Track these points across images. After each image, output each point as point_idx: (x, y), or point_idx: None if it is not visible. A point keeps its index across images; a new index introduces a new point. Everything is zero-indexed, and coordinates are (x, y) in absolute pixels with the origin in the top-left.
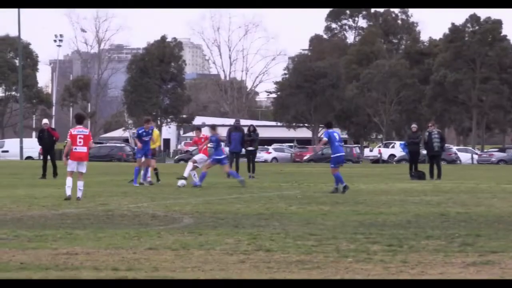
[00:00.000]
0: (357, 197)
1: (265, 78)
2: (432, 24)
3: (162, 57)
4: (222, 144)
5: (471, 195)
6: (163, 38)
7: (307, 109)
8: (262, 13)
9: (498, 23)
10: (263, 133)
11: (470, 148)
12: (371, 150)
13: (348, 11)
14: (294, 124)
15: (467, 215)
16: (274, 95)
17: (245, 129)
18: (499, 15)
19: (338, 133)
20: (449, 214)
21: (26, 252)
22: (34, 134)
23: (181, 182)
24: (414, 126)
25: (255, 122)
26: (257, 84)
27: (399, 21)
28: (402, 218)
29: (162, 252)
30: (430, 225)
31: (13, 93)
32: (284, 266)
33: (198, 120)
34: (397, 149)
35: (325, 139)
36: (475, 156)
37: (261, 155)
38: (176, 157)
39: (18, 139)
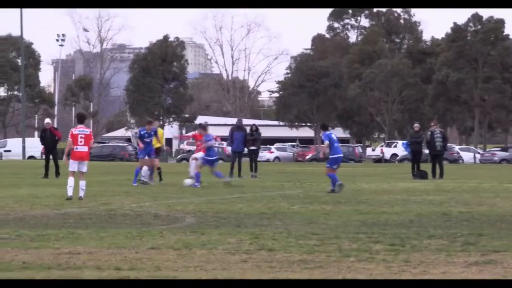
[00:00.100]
0: (359, 197)
1: (267, 77)
2: (435, 24)
3: (165, 57)
4: (216, 143)
5: (473, 195)
6: (166, 37)
7: (310, 108)
8: (264, 12)
9: (500, 23)
10: (265, 132)
11: (473, 147)
12: (373, 150)
13: (350, 11)
14: (296, 123)
15: (469, 214)
16: (276, 95)
17: (248, 129)
18: (501, 15)
19: (334, 134)
20: (452, 213)
21: (29, 252)
22: (36, 133)
23: (188, 181)
24: (416, 126)
25: (257, 122)
26: (260, 84)
27: (402, 21)
28: (405, 217)
29: (164, 252)
30: (432, 224)
31: (16, 92)
32: (287, 265)
33: (200, 120)
34: (399, 149)
35: (327, 142)
36: (478, 156)
37: (263, 155)
38: (178, 156)
39: (21, 139)
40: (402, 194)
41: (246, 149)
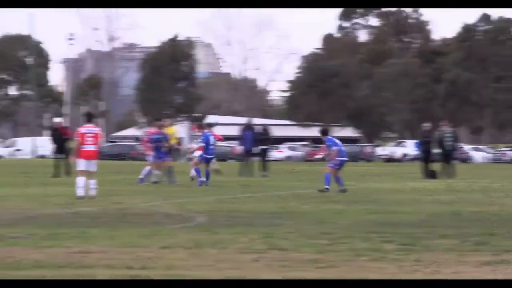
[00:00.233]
0: (371, 196)
1: (277, 77)
2: (444, 23)
3: (174, 56)
4: (212, 141)
5: (484, 194)
6: (175, 36)
7: (320, 108)
8: (274, 11)
9: (510, 22)
10: (275, 132)
11: (483, 147)
12: (383, 149)
13: (360, 10)
14: (306, 123)
15: (480, 214)
16: (286, 94)
17: (258, 128)
18: (511, 14)
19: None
20: (462, 213)
21: (41, 251)
22: (46, 132)
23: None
24: (427, 125)
25: (267, 121)
26: (270, 83)
27: (411, 20)
28: (416, 217)
29: (176, 251)
30: (443, 224)
31: (26, 91)
32: (298, 265)
33: (210, 119)
34: (410, 148)
35: (335, 148)
36: (488, 155)
37: (273, 154)
38: (187, 155)
39: (31, 138)
40: (413, 194)
41: (256, 149)
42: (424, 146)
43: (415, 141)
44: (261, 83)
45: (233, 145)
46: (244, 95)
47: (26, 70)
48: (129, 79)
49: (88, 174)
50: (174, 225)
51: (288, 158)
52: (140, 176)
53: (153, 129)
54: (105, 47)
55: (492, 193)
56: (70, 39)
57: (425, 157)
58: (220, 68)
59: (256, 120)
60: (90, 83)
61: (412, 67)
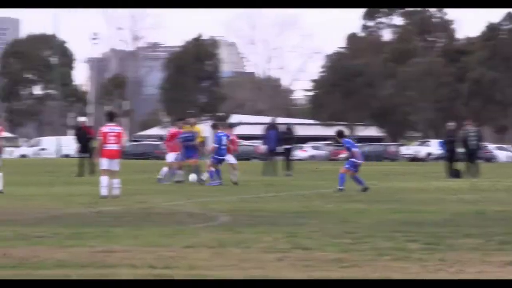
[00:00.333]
0: (394, 195)
1: (301, 76)
2: (469, 22)
3: (198, 55)
4: (224, 141)
5: (508, 193)
6: (199, 36)
7: (344, 107)
8: (298, 11)
9: None
10: (299, 131)
11: (507, 146)
12: (407, 149)
13: (384, 9)
14: (330, 122)
15: (505, 213)
16: (310, 93)
17: (282, 128)
18: None
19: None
20: (487, 212)
21: (64, 250)
22: (70, 132)
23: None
24: (451, 125)
25: (291, 120)
26: (294, 82)
27: (435, 19)
28: (440, 216)
29: (199, 250)
30: (467, 223)
31: (51, 91)
32: (322, 264)
33: (234, 118)
34: (434, 147)
35: (354, 149)
36: None
37: (297, 153)
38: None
39: (55, 137)
40: (437, 193)
41: (280, 148)
42: (448, 145)
43: (439, 140)
44: (285, 82)
45: (257, 144)
46: (268, 94)
47: (51, 70)
48: (153, 78)
49: (111, 173)
50: (197, 224)
51: (312, 157)
52: (159, 176)
53: (175, 129)
54: (130, 47)
55: None
56: (95, 39)
57: (449, 156)
58: (244, 67)
59: (280, 120)
60: (114, 83)
61: (436, 66)
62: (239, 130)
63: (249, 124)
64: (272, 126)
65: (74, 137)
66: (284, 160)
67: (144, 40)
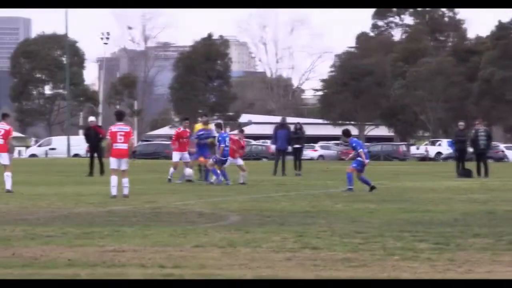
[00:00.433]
0: (404, 195)
1: (311, 75)
2: (479, 22)
3: (209, 55)
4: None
5: None
6: (210, 35)
7: (353, 107)
8: (308, 10)
9: None
10: (309, 130)
11: None
12: (417, 148)
13: (394, 9)
14: (340, 121)
15: None
16: (320, 93)
17: (292, 127)
18: None
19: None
20: (497, 212)
21: (74, 249)
22: (81, 131)
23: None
24: (461, 124)
25: (301, 120)
26: (303, 82)
27: (446, 19)
28: (449, 216)
29: (208, 250)
30: (477, 223)
31: (61, 90)
32: (331, 264)
33: (244, 118)
34: (444, 147)
35: (361, 150)
36: None
37: (307, 153)
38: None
39: (65, 137)
40: (446, 193)
41: (290, 148)
42: (458, 145)
43: (448, 140)
44: (295, 82)
45: (267, 144)
46: (278, 94)
47: (61, 69)
48: (163, 78)
49: (120, 172)
50: (207, 224)
51: (321, 157)
52: (168, 177)
53: (181, 128)
54: (140, 46)
55: None
56: (105, 38)
57: (459, 156)
58: (255, 67)
59: (290, 119)
60: (125, 82)
61: (446, 66)
62: (249, 130)
63: (259, 124)
64: (282, 126)
65: (84, 137)
66: (294, 160)
67: (155, 40)
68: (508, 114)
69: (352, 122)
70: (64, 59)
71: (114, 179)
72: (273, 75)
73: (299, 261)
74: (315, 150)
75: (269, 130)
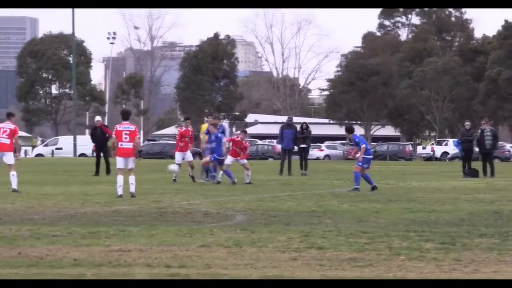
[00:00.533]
0: (410, 195)
1: (317, 75)
2: (486, 21)
3: (215, 55)
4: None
5: None
6: (216, 35)
7: (360, 106)
8: (315, 10)
9: None
10: (315, 130)
11: None
12: (424, 148)
13: (401, 9)
14: (346, 121)
15: None
16: (326, 93)
17: (298, 127)
18: None
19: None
20: (503, 212)
21: (80, 249)
22: (87, 131)
23: (172, 166)
24: (467, 124)
25: (307, 120)
26: (310, 82)
27: (453, 18)
28: (455, 216)
29: (214, 250)
30: (483, 223)
31: (67, 90)
32: (336, 263)
33: (250, 118)
34: (450, 147)
35: (363, 145)
36: None
37: (314, 153)
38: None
39: (72, 136)
40: (452, 193)
41: (296, 147)
42: (465, 144)
43: (454, 139)
44: (301, 81)
45: (274, 143)
46: (285, 93)
47: (68, 69)
48: (170, 77)
49: (126, 171)
50: (212, 223)
51: (327, 157)
52: (174, 177)
53: (183, 128)
54: (146, 46)
55: None
56: (111, 38)
57: (466, 155)
58: (261, 66)
59: (296, 119)
60: (131, 82)
61: (453, 66)
62: (255, 129)
63: (265, 124)
64: (288, 125)
65: (90, 136)
66: (300, 160)
67: (161, 39)
68: None
69: (358, 122)
70: (70, 58)
71: (120, 179)
72: (279, 75)
73: (305, 261)
74: (321, 150)
75: (275, 129)
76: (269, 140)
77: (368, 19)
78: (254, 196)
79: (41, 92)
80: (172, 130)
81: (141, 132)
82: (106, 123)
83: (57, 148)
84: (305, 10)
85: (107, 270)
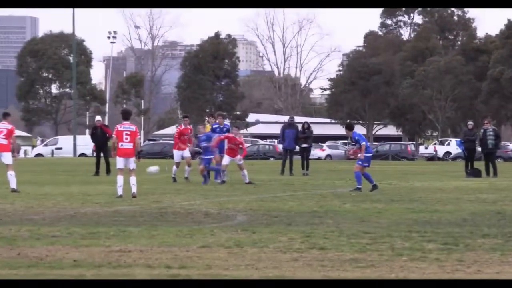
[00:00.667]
0: (412, 195)
1: (319, 75)
2: (489, 20)
3: (216, 54)
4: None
5: None
6: (217, 34)
7: (361, 106)
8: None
9: None
10: (317, 130)
11: None
12: (426, 148)
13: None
14: (348, 121)
15: None
16: (328, 92)
17: (299, 126)
18: None
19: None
20: (506, 212)
21: (79, 249)
22: (87, 131)
23: (151, 168)
24: (470, 123)
25: (309, 119)
26: (311, 81)
27: (455, 17)
28: (458, 216)
29: (215, 250)
30: (486, 223)
31: (67, 90)
32: (338, 264)
33: (252, 117)
34: (453, 147)
35: (364, 143)
36: None
37: (315, 152)
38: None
39: (72, 136)
40: (455, 193)
41: (297, 147)
42: (467, 144)
43: (457, 139)
44: (303, 81)
45: (275, 143)
46: (286, 93)
47: (68, 68)
48: (171, 77)
49: (127, 171)
50: (213, 224)
51: (329, 157)
52: (172, 175)
53: (182, 126)
54: (147, 45)
55: None
56: (112, 37)
57: (468, 155)
58: (262, 66)
59: (298, 118)
60: (132, 81)
61: (455, 65)
62: (256, 129)
63: (266, 123)
64: (290, 125)
65: (91, 136)
66: (301, 159)
67: (162, 39)
68: None
69: (360, 122)
70: (71, 58)
71: (120, 179)
72: (280, 74)
73: (306, 262)
74: (323, 150)
75: (276, 129)
76: (271, 140)
77: (370, 18)
78: (255, 196)
79: (41, 91)
80: (172, 130)
81: (142, 131)
82: (106, 123)
83: (57, 148)
84: (306, 9)
85: (107, 271)
